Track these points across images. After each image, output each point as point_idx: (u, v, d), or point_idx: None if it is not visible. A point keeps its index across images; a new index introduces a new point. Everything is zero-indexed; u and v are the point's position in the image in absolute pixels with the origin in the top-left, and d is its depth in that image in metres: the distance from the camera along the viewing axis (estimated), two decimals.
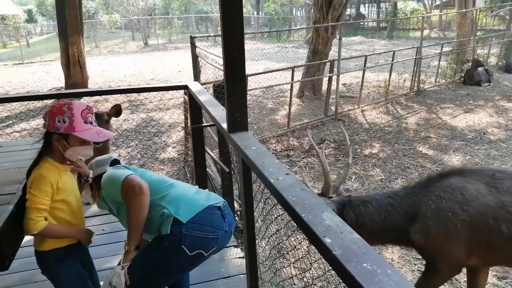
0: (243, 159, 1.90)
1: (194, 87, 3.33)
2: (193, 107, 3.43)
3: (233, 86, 1.99)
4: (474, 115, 8.59)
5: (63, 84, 12.02)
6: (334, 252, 1.02)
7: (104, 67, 17.96)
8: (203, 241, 1.72)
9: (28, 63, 21.39)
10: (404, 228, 2.45)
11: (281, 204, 1.39)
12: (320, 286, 2.95)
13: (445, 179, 2.40)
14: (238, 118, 2.05)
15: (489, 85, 11.42)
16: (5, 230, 1.42)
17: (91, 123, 1.76)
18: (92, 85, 12.77)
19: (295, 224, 1.34)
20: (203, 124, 3.41)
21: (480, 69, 11.54)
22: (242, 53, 1.93)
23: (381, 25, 36.64)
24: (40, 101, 10.08)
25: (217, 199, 1.87)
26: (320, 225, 1.15)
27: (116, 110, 3.60)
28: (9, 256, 1.44)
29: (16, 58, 22.44)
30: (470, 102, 9.76)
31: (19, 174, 1.87)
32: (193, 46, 5.59)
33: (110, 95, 9.28)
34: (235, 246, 3.02)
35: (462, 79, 11.78)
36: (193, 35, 5.73)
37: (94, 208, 3.77)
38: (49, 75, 16.06)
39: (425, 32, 32.62)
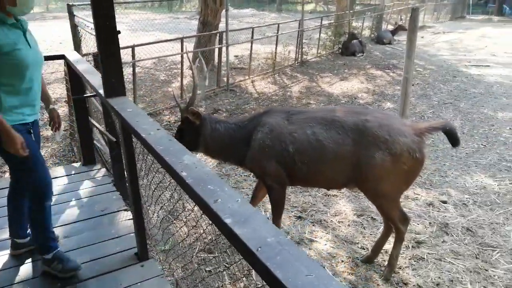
0: (121, 122, 2.05)
1: (72, 56, 3.29)
2: (73, 77, 3.40)
3: (107, 53, 2.10)
4: (348, 83, 9.64)
5: None
6: (187, 181, 1.28)
7: None
8: None
9: None
10: (242, 151, 3.12)
11: (151, 154, 1.61)
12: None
13: (261, 117, 3.14)
14: (115, 84, 2.18)
15: (362, 55, 12.78)
16: None
17: None
18: None
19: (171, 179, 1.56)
20: (85, 95, 3.39)
21: (355, 41, 12.82)
22: (113, 20, 2.05)
23: None
24: None
25: None
26: (180, 164, 1.41)
27: None
28: None
29: None
30: (346, 71, 10.88)
31: None
32: (72, 15, 5.32)
33: None
34: (125, 210, 3.16)
35: (340, 50, 12.97)
36: (70, 3, 5.44)
37: None
38: None
39: (311, 6, 34.53)
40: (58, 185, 3.46)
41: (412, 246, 3.63)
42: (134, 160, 2.29)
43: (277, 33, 10.67)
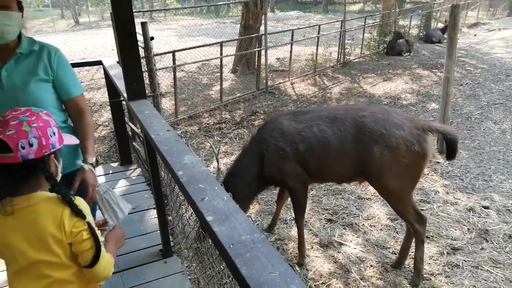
0: (138, 123, 2.15)
1: (108, 62, 3.48)
2: (109, 81, 3.59)
3: (128, 58, 2.22)
4: (392, 83, 9.34)
5: None
6: (181, 180, 1.33)
7: None
8: None
9: None
10: (261, 171, 3.17)
11: (157, 153, 1.68)
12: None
13: (263, 129, 3.19)
14: (136, 87, 2.29)
15: (409, 55, 12.34)
16: None
17: None
18: None
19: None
20: (116, 99, 3.58)
21: (401, 40, 12.41)
22: (133, 27, 2.16)
23: None
24: None
25: None
26: (179, 164, 1.46)
27: None
28: None
29: None
30: (390, 71, 10.54)
31: None
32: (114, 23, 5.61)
33: None
34: (154, 208, 3.29)
35: (385, 50, 12.60)
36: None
37: None
38: None
39: (359, 6, 33.85)
40: None
41: (447, 253, 3.46)
42: (156, 159, 2.39)
43: (318, 34, 10.58)
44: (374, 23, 13.50)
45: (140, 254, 2.75)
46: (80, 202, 1.29)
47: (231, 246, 0.98)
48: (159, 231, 2.86)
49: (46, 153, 1.25)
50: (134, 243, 2.85)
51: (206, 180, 1.32)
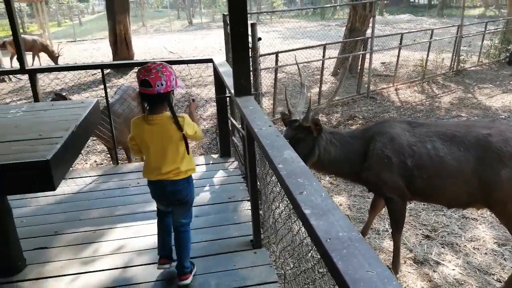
0: (242, 117, 2.26)
1: (218, 60, 3.70)
2: (217, 78, 3.81)
3: (238, 56, 2.35)
4: None
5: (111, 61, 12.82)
6: (281, 172, 1.38)
7: (150, 45, 18.78)
8: None
9: (80, 41, 22.71)
10: (357, 163, 3.03)
11: (258, 146, 1.75)
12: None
13: (377, 127, 3.03)
14: (243, 84, 2.41)
15: None
16: (54, 161, 1.88)
17: None
18: None
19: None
20: (222, 95, 3.78)
21: None
22: (246, 27, 2.28)
23: (432, 2, 35.08)
24: (91, 76, 10.97)
25: None
26: (279, 158, 1.51)
27: None
28: (57, 181, 1.91)
29: (70, 36, 23.90)
30: (511, 82, 9.46)
31: (66, 124, 2.35)
32: (226, 24, 5.95)
33: None
34: (248, 200, 3.42)
35: (508, 60, 11.33)
36: (226, 13, 6.08)
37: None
38: (99, 52, 17.07)
39: (481, 10, 30.89)
40: (197, 172, 3.94)
41: None
42: (254, 153, 2.49)
43: (430, 39, 9.92)
44: (496, 29, 12.21)
45: (231, 241, 2.88)
46: (184, 116, 2.17)
47: (328, 240, 0.99)
48: (251, 223, 2.97)
49: (169, 90, 2.06)
50: (227, 230, 3.00)
51: (305, 175, 1.34)
